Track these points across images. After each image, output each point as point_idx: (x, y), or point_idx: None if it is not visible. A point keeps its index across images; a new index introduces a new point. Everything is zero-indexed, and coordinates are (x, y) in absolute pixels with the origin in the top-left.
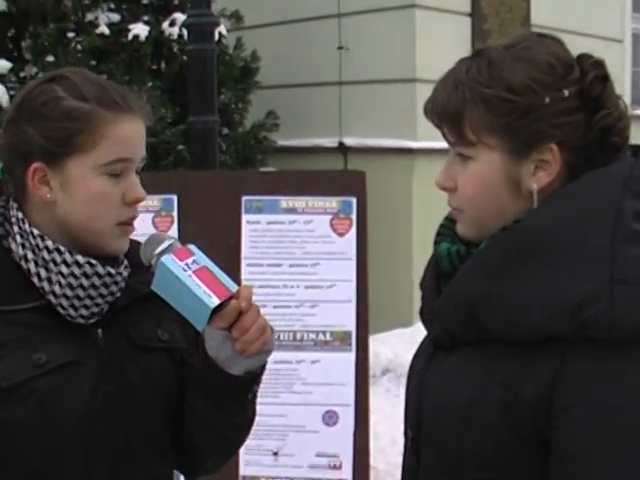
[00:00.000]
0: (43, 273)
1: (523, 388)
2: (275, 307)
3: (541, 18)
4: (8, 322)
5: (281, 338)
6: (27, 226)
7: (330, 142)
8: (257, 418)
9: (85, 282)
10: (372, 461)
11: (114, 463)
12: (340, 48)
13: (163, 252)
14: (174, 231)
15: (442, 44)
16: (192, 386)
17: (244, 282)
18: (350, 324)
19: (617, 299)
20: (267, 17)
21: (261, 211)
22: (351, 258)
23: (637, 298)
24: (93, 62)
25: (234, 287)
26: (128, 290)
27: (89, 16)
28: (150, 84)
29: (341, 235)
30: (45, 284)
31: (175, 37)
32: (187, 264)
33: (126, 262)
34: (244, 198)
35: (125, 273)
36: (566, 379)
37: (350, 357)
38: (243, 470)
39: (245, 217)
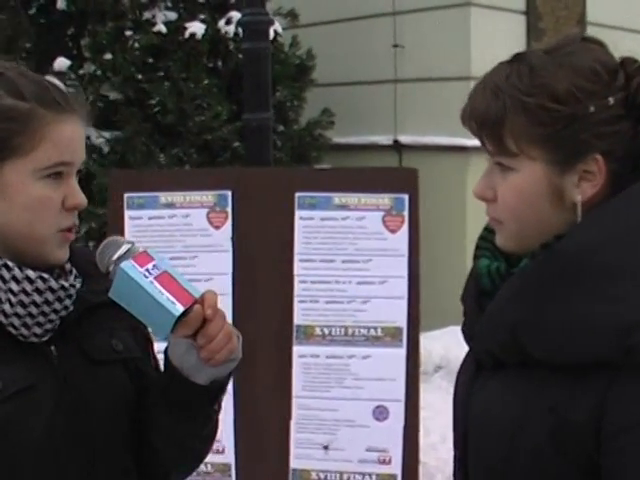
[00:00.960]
0: None
1: (571, 413)
2: (327, 302)
3: (597, 16)
4: None
5: (333, 333)
6: None
7: (385, 140)
8: (308, 412)
9: (38, 298)
10: (422, 457)
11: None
12: (395, 46)
13: (121, 258)
14: (228, 227)
15: (497, 42)
16: (154, 397)
17: (297, 278)
18: (401, 320)
19: None
20: (323, 15)
21: (314, 207)
22: (403, 255)
23: None
24: (150, 60)
25: (197, 292)
26: (78, 301)
27: (146, 14)
28: (206, 82)
29: (393, 232)
30: None
31: (231, 35)
32: (148, 270)
33: (75, 272)
34: (297, 194)
35: (78, 284)
36: (615, 405)
37: (401, 353)
38: (293, 463)
39: (298, 213)
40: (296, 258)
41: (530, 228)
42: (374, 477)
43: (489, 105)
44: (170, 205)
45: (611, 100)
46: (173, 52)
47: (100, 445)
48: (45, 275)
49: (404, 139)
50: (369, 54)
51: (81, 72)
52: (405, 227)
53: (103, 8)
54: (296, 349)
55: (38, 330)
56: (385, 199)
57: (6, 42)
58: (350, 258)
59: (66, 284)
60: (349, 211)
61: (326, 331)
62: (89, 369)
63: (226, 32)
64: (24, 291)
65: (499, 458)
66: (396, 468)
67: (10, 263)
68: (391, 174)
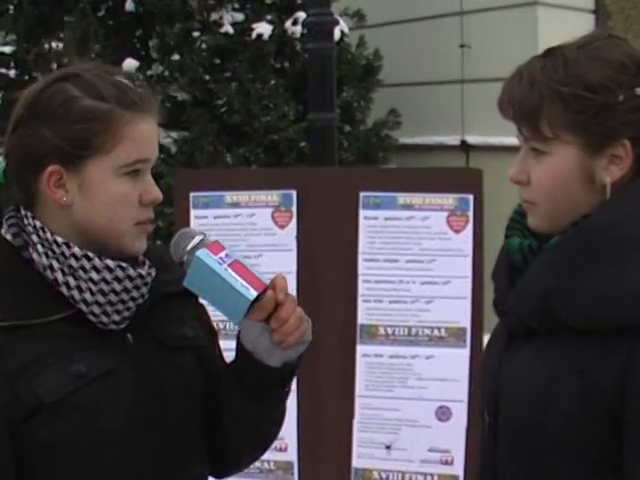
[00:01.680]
0: (72, 281)
1: (598, 375)
2: (391, 302)
3: None
4: (40, 336)
5: (396, 333)
6: (49, 234)
7: (452, 140)
8: (371, 412)
9: (117, 286)
10: None
11: (159, 466)
12: (462, 46)
13: (195, 248)
14: (293, 226)
15: (564, 41)
16: (227, 381)
17: (361, 277)
18: (465, 321)
19: None
20: (389, 15)
21: (379, 207)
22: (467, 255)
23: None
24: (217, 60)
25: (267, 279)
26: (151, 291)
27: (214, 15)
28: (273, 82)
29: (457, 232)
30: (75, 292)
31: (298, 36)
32: (221, 258)
33: (148, 262)
34: (362, 194)
35: (153, 273)
36: (636, 365)
37: (464, 353)
38: (355, 462)
39: (363, 213)
40: (360, 258)
41: (562, 208)
42: (436, 477)
43: (526, 94)
44: (235, 204)
45: (638, 90)
46: (240, 53)
47: (175, 429)
48: (123, 264)
49: (471, 139)
50: (436, 54)
51: (149, 73)
52: (469, 227)
53: (171, 10)
54: (359, 348)
55: (117, 317)
56: (450, 199)
57: (76, 44)
58: (414, 258)
59: (143, 272)
60: (413, 211)
61: (390, 331)
62: (163, 355)
63: (293, 32)
64: (104, 280)
65: (530, 420)
66: (458, 469)
67: (90, 253)
68: (456, 174)
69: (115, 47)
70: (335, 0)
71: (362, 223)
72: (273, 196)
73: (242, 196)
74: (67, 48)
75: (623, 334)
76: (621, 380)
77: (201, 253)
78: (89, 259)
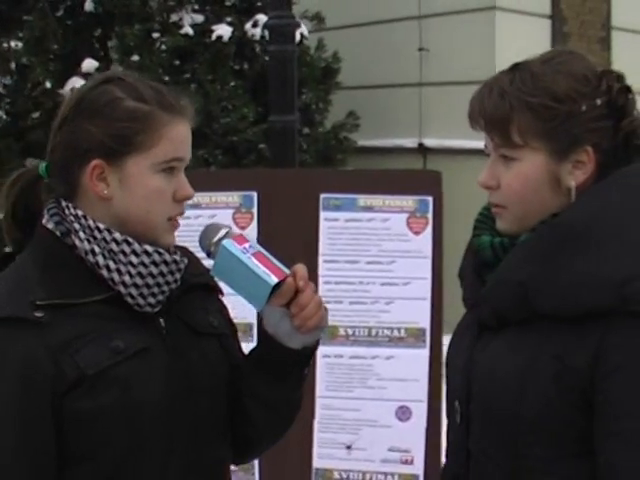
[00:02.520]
0: (112, 265)
1: (572, 359)
2: (351, 303)
3: (622, 20)
4: (82, 315)
5: (356, 334)
6: (91, 222)
7: (410, 142)
8: (331, 412)
9: (154, 270)
10: (442, 457)
11: (188, 445)
12: (420, 49)
13: (221, 239)
14: (254, 227)
15: (522, 46)
16: (251, 366)
17: (321, 279)
18: (424, 321)
19: None
20: (348, 18)
21: (339, 209)
22: (427, 256)
23: None
24: (177, 62)
25: (287, 270)
26: (180, 280)
27: (173, 17)
28: (233, 84)
29: (417, 233)
30: (115, 275)
31: (257, 38)
32: (245, 248)
33: (179, 252)
34: (322, 196)
35: (185, 261)
36: (608, 347)
37: (424, 354)
38: (316, 463)
39: (323, 214)
40: (320, 259)
41: (531, 210)
42: (396, 477)
43: (497, 105)
44: (196, 206)
45: (598, 101)
46: (199, 54)
47: (202, 410)
48: (161, 249)
49: (429, 142)
50: (394, 57)
51: None
52: (429, 229)
53: (130, 10)
54: (320, 349)
55: (152, 300)
56: (409, 201)
57: (35, 44)
58: (374, 259)
59: (177, 259)
60: (373, 213)
61: (350, 331)
62: (192, 340)
63: (252, 35)
64: (142, 263)
65: (507, 405)
66: (418, 468)
67: (130, 239)
68: (415, 176)
69: (74, 47)
70: (295, 3)
71: (322, 225)
72: (234, 197)
73: (203, 197)
74: (26, 47)
75: (595, 320)
76: (594, 363)
77: (227, 243)
78: (129, 244)
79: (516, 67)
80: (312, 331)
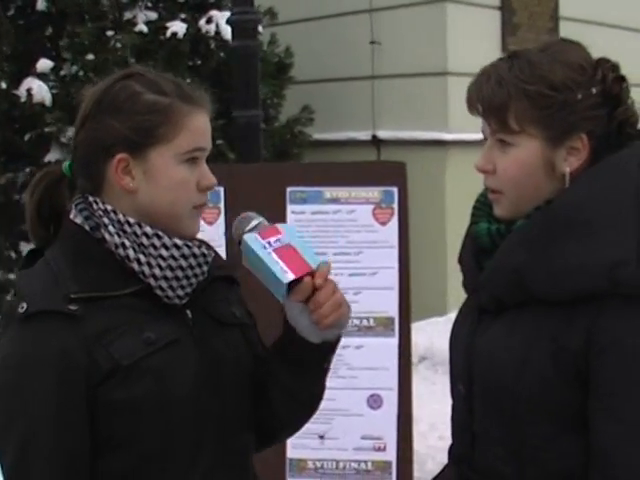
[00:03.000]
0: (142, 258)
1: (567, 340)
2: None
3: (569, 11)
4: (114, 307)
5: None
6: (121, 216)
7: (364, 135)
8: None
9: (184, 263)
10: (414, 443)
11: (216, 431)
12: (372, 43)
13: (250, 231)
14: (221, 222)
15: (473, 37)
16: (275, 355)
17: None
18: (393, 310)
19: None
20: (300, 13)
21: (305, 202)
22: (393, 246)
23: None
24: (132, 59)
25: (316, 263)
26: None
27: (127, 14)
28: (188, 80)
29: (383, 224)
30: (145, 268)
31: (212, 34)
32: (269, 242)
33: (205, 245)
34: (289, 189)
35: (212, 254)
36: (600, 328)
37: (393, 342)
38: (290, 453)
39: (290, 207)
40: None
41: (526, 194)
42: (369, 464)
43: (494, 92)
44: None
45: (594, 90)
46: (155, 52)
47: (229, 398)
48: (189, 243)
49: (382, 134)
50: (347, 51)
51: (62, 73)
52: (395, 219)
53: (82, 9)
54: None
55: (180, 292)
56: (375, 192)
57: None
58: (341, 250)
59: (205, 251)
60: (340, 205)
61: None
62: (217, 330)
63: (207, 31)
64: (172, 256)
65: (508, 385)
66: (391, 455)
67: (160, 232)
68: (380, 168)
69: (27, 47)
70: None
71: (289, 218)
72: None
73: None
74: None
75: (587, 303)
76: (586, 344)
77: (248, 237)
78: (159, 237)
79: (514, 55)
80: (329, 329)
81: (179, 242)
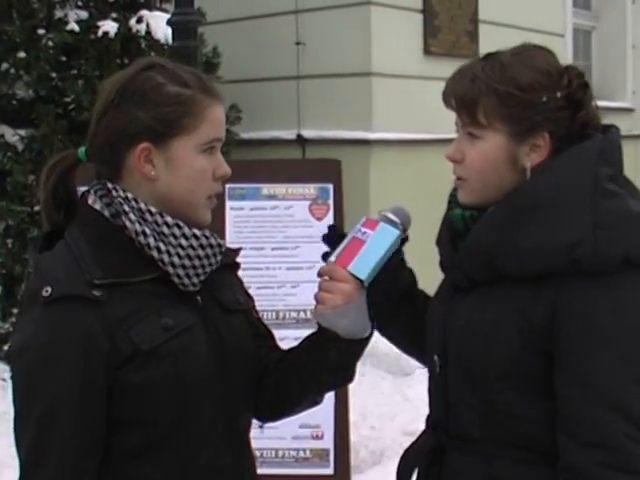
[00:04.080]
0: (162, 246)
1: (532, 313)
2: (259, 288)
3: (489, 14)
4: (134, 292)
5: (265, 317)
6: (142, 205)
7: (289, 134)
8: None
9: (201, 252)
10: (351, 430)
11: (225, 410)
12: (298, 44)
13: (387, 218)
14: None
15: (396, 39)
16: (311, 357)
17: None
18: None
19: (599, 241)
20: (227, 13)
21: (244, 198)
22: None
23: (613, 240)
24: (63, 58)
25: (362, 274)
26: None
27: (58, 13)
28: None
29: (319, 219)
30: (165, 256)
31: (143, 34)
32: (360, 230)
33: (215, 235)
34: (228, 186)
35: (225, 244)
36: (563, 302)
37: None
38: None
39: (229, 204)
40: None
41: (490, 185)
42: (308, 452)
43: (467, 88)
44: None
45: (558, 94)
46: (86, 50)
47: (235, 380)
48: (207, 233)
49: (307, 133)
50: (273, 51)
51: None
52: (330, 214)
53: (12, 7)
54: None
55: (196, 280)
56: (311, 189)
57: None
58: (279, 245)
59: (221, 242)
60: (277, 201)
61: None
62: (224, 316)
63: (137, 30)
64: (191, 246)
65: (479, 356)
66: (328, 442)
67: (181, 223)
68: (316, 165)
69: None
70: None
71: (229, 214)
72: None
73: None
74: None
75: (550, 279)
76: (550, 316)
77: (364, 218)
78: (179, 227)
79: (489, 56)
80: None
81: (198, 232)
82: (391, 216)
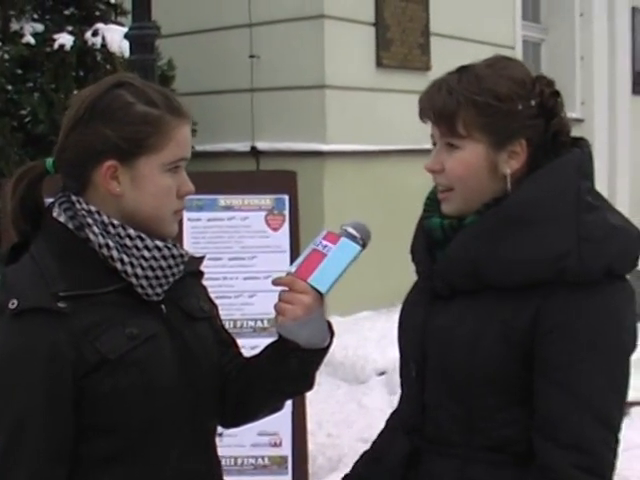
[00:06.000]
0: (125, 258)
1: (516, 322)
2: (216, 298)
3: (439, 27)
4: (99, 303)
5: None
6: (105, 218)
7: (243, 146)
8: None
9: (163, 263)
10: (308, 437)
11: (192, 418)
12: (252, 57)
13: (348, 233)
14: None
15: (349, 52)
16: (271, 367)
17: None
18: None
19: (583, 253)
20: (181, 26)
21: (201, 209)
22: (285, 251)
23: (596, 252)
24: (19, 71)
25: (321, 286)
26: None
27: (14, 26)
28: (76, 92)
29: (275, 230)
30: (128, 267)
31: (98, 46)
32: (321, 243)
33: (178, 245)
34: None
35: (188, 254)
36: (547, 312)
37: None
38: None
39: (186, 215)
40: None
41: (474, 193)
42: (266, 459)
43: (445, 101)
44: None
45: (532, 102)
46: (42, 63)
47: (201, 387)
48: (170, 245)
49: (261, 145)
50: (227, 64)
51: None
52: (286, 225)
53: None
54: None
55: (159, 290)
56: (267, 200)
57: None
58: (236, 255)
59: (183, 252)
60: (234, 212)
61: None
62: (188, 324)
63: (93, 43)
64: (154, 257)
65: (461, 362)
66: (287, 449)
67: (143, 235)
68: (272, 176)
69: None
70: (129, 12)
71: (186, 225)
72: None
73: None
74: None
75: (534, 289)
76: (534, 325)
77: (324, 231)
78: (142, 239)
79: (462, 69)
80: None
81: (160, 244)
82: (352, 231)
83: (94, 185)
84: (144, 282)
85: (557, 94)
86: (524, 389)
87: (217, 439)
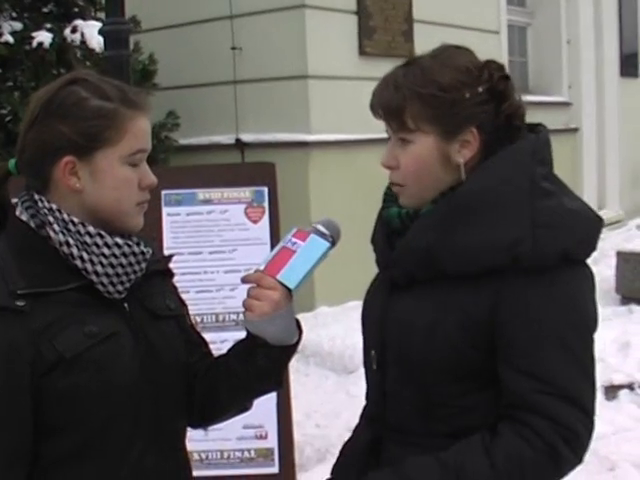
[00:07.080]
0: (85, 256)
1: (473, 309)
2: (197, 292)
3: (422, 14)
4: (57, 301)
5: (205, 321)
6: (65, 215)
7: (227, 139)
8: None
9: (124, 261)
10: (294, 429)
11: (153, 417)
12: (234, 48)
13: (318, 230)
14: None
15: (331, 41)
16: (237, 363)
17: None
18: None
19: (538, 239)
20: (162, 20)
21: (180, 204)
22: (265, 243)
23: (551, 237)
24: None
25: (288, 281)
26: None
27: None
28: None
29: (255, 222)
30: (88, 265)
31: (78, 43)
32: (291, 240)
33: (143, 242)
34: (163, 192)
35: (150, 251)
36: (504, 298)
37: None
38: None
39: (165, 210)
40: (165, 253)
41: (427, 186)
42: (252, 452)
43: (392, 97)
44: None
45: (480, 89)
46: (21, 62)
47: (165, 385)
48: (130, 242)
49: (245, 137)
50: (209, 57)
51: None
52: (266, 217)
53: None
54: None
55: (120, 288)
56: (246, 192)
57: None
58: (216, 249)
59: (144, 249)
60: (213, 205)
61: (198, 319)
62: (153, 322)
63: (72, 40)
64: (114, 255)
65: (419, 350)
66: (272, 442)
67: (102, 232)
68: (250, 169)
69: None
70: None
71: (165, 220)
72: None
73: None
74: None
75: (490, 277)
76: (492, 312)
77: (294, 229)
78: (102, 237)
79: (409, 62)
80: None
81: (120, 241)
82: (321, 228)
83: (55, 182)
84: (104, 279)
85: (507, 78)
86: (482, 376)
87: (202, 433)
